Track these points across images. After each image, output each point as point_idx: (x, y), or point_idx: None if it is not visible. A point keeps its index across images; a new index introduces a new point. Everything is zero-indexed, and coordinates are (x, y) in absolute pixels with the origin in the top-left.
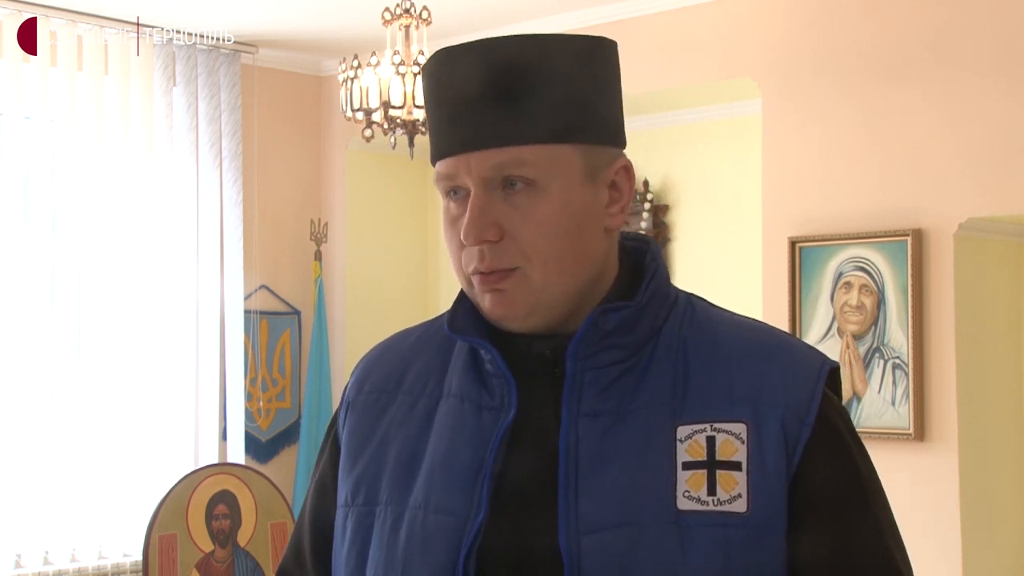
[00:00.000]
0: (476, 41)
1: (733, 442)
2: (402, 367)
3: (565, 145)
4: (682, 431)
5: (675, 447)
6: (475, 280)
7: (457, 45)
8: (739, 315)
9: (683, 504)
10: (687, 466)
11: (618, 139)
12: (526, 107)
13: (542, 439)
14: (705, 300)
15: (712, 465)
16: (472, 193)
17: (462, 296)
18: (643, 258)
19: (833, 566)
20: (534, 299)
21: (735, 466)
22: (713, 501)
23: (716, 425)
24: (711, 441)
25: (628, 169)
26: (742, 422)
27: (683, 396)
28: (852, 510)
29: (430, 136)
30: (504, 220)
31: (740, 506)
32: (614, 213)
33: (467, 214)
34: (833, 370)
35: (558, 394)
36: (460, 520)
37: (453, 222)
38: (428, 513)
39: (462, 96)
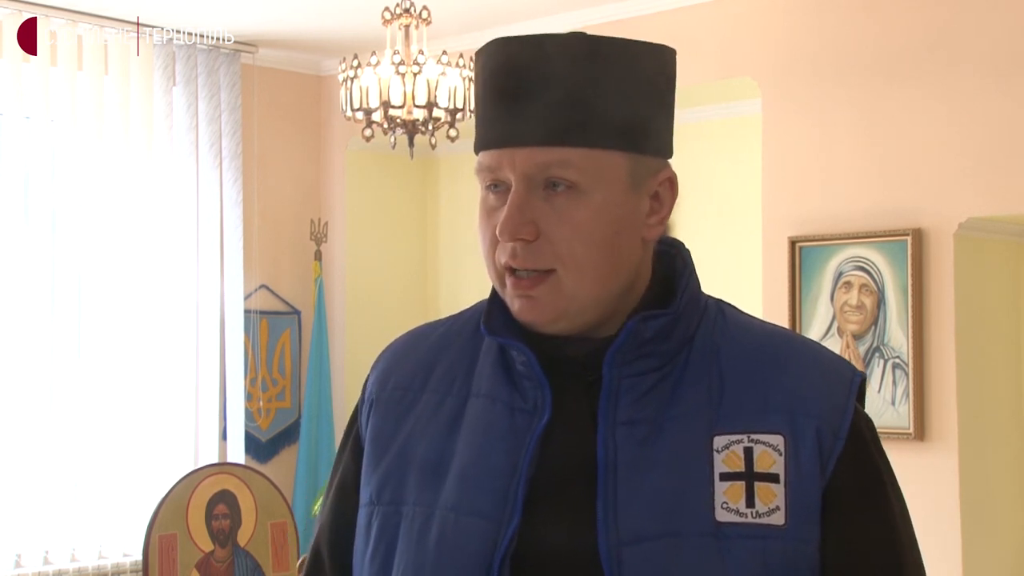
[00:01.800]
0: (540, 35)
1: (771, 454)
2: (427, 365)
3: (614, 152)
4: (719, 441)
5: (712, 457)
6: (508, 281)
7: (519, 36)
8: (768, 323)
9: (722, 516)
10: (725, 477)
11: (666, 150)
12: (580, 109)
13: (575, 444)
14: (734, 306)
15: (750, 477)
16: (513, 189)
17: (494, 295)
18: (673, 263)
19: (846, 563)
20: (564, 305)
21: (773, 478)
22: (752, 513)
23: (753, 436)
24: (748, 452)
25: (672, 181)
26: (779, 434)
27: (719, 405)
28: (869, 510)
29: (476, 124)
30: (542, 220)
31: (778, 519)
32: (653, 224)
33: (506, 209)
34: (863, 382)
35: (590, 399)
36: (494, 523)
37: (490, 214)
38: (460, 515)
39: (516, 89)
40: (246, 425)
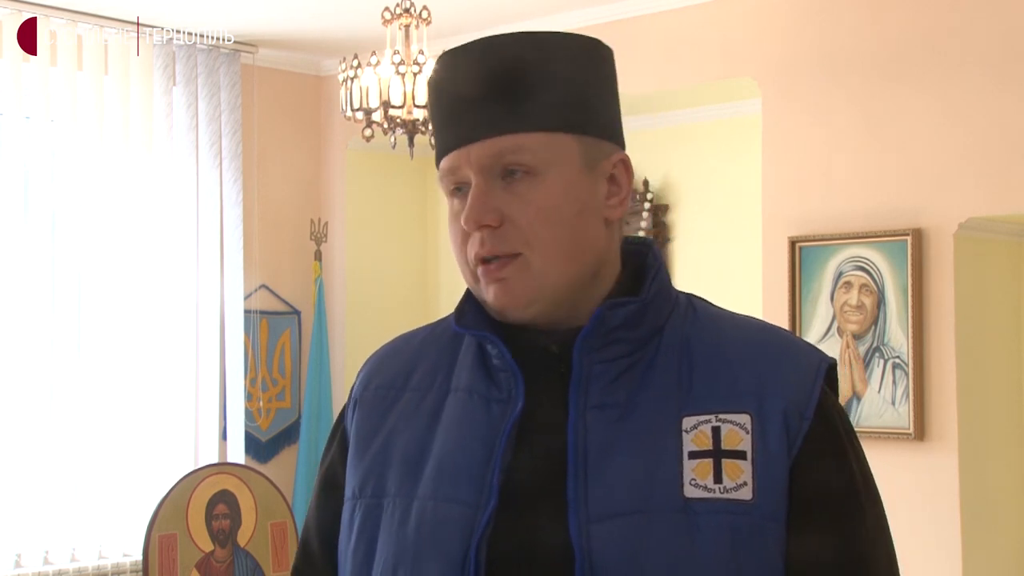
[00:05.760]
0: (476, 41)
1: (738, 432)
2: (409, 365)
3: (562, 134)
4: (687, 422)
5: (681, 437)
6: (479, 272)
7: (458, 47)
8: (738, 314)
9: (690, 492)
10: (693, 455)
11: (615, 136)
12: (525, 99)
13: (550, 432)
14: (705, 300)
15: (718, 454)
16: (473, 182)
17: (468, 294)
18: (645, 259)
19: (831, 569)
20: (536, 286)
21: (740, 455)
22: (719, 489)
23: (721, 416)
24: (716, 431)
25: (626, 163)
26: (746, 413)
27: (688, 390)
28: (848, 513)
29: (435, 139)
30: (504, 207)
31: (746, 494)
32: (613, 205)
33: (468, 200)
34: (831, 367)
35: (565, 389)
36: (470, 510)
37: (456, 217)
38: (438, 503)
39: (463, 94)
40: (246, 425)
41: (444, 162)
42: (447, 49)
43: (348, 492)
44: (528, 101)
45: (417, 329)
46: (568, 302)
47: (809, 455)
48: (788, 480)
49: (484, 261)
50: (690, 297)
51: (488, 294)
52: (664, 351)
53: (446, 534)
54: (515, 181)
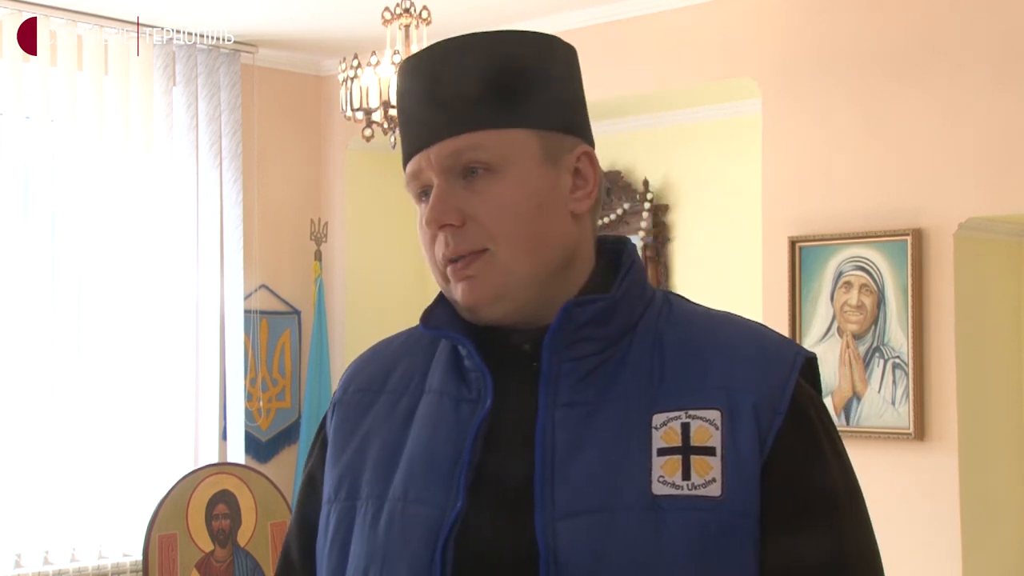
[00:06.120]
0: (427, 47)
1: (707, 428)
2: (386, 369)
3: (520, 130)
4: (657, 419)
5: (650, 434)
6: (448, 272)
7: (412, 55)
8: (715, 309)
9: (658, 489)
10: (662, 452)
11: (578, 130)
12: (479, 98)
13: (520, 431)
14: (683, 297)
15: (686, 451)
16: (435, 184)
17: (441, 297)
18: (620, 257)
19: (810, 570)
20: (502, 281)
21: (709, 451)
22: (688, 486)
23: (691, 412)
24: (686, 428)
25: (590, 155)
26: (716, 409)
27: (659, 386)
28: (826, 512)
29: (401, 148)
30: (466, 206)
31: (714, 490)
32: (579, 198)
33: (430, 201)
34: (810, 361)
35: (536, 387)
36: (439, 510)
37: (423, 222)
38: (407, 504)
39: (420, 99)
40: (246, 425)
41: (408, 167)
42: (407, 58)
43: (324, 495)
44: (482, 99)
45: (397, 333)
46: (537, 298)
47: (783, 451)
48: (760, 476)
49: (452, 261)
50: (667, 295)
51: (457, 292)
52: (637, 348)
53: (414, 535)
54: (476, 179)
